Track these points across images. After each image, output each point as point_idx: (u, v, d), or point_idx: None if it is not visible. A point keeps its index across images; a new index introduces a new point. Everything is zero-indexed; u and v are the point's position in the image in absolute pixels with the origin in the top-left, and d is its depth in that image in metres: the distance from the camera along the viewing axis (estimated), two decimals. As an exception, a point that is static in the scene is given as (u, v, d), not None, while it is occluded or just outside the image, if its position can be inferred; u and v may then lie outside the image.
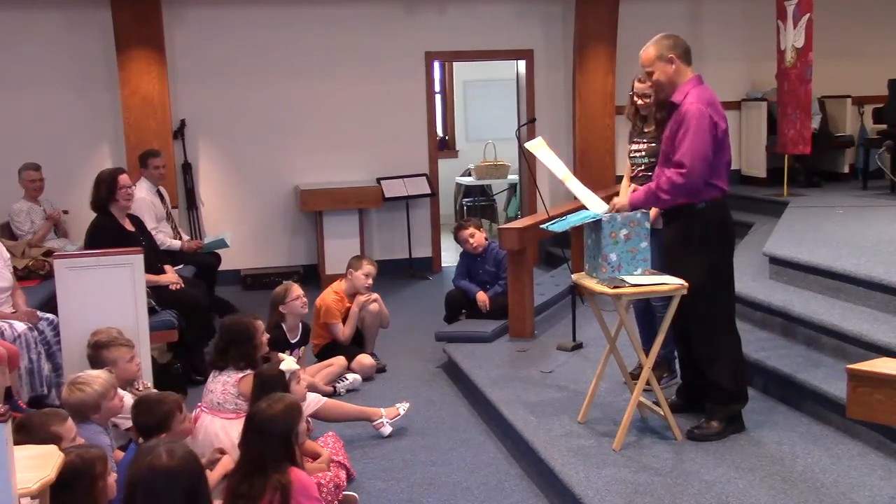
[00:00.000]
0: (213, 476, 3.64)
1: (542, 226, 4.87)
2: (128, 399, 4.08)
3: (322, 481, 3.88)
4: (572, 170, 9.34)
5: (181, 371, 5.74)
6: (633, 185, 4.97)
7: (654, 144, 4.83)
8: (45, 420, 3.30)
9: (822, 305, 5.01)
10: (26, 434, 3.11)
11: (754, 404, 4.46)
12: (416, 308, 7.68)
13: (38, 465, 2.68)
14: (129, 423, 3.89)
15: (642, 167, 4.89)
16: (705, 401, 4.31)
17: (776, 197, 8.23)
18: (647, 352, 4.31)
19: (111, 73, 8.30)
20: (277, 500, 3.20)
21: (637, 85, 4.82)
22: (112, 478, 3.09)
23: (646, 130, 4.92)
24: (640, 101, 4.83)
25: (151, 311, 5.24)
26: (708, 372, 4.26)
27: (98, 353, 4.39)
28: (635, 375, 4.63)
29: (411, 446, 4.76)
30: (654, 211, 4.61)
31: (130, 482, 2.84)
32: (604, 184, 8.75)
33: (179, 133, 8.58)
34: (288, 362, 4.15)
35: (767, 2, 8.43)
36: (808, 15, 7.66)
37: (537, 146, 4.59)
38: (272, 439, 3.32)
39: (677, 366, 4.75)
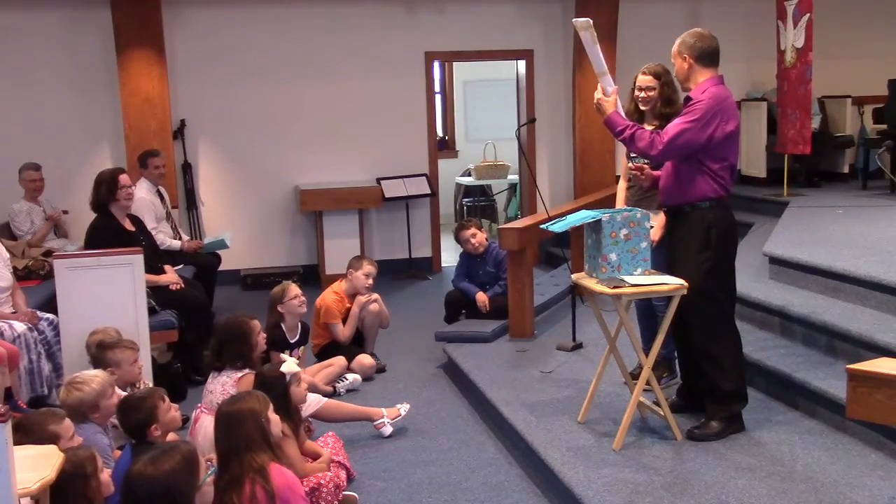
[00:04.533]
0: None
1: (542, 226, 4.87)
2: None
3: (322, 481, 3.88)
4: (572, 168, 9.41)
5: (181, 371, 5.74)
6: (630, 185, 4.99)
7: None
8: (43, 420, 3.31)
9: (822, 305, 5.01)
10: (24, 434, 3.11)
11: (754, 404, 4.46)
12: (416, 308, 7.68)
13: (38, 465, 2.68)
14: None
15: (642, 167, 4.87)
16: (705, 401, 4.31)
17: (776, 197, 8.23)
18: (648, 352, 4.31)
19: (111, 73, 8.30)
20: (259, 485, 3.18)
21: (640, 77, 4.78)
22: (106, 474, 3.09)
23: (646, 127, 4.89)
24: (643, 94, 4.76)
25: (151, 311, 5.24)
26: (708, 372, 4.26)
27: (103, 353, 4.39)
28: (635, 375, 4.63)
29: (411, 446, 4.76)
30: (656, 232, 4.59)
31: (122, 483, 2.87)
32: (604, 184, 8.77)
33: (179, 133, 8.59)
34: (289, 364, 4.14)
35: (767, 2, 8.44)
36: (807, 15, 7.66)
37: (586, 27, 4.22)
38: (240, 426, 3.32)
39: (677, 366, 4.74)
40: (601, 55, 4.23)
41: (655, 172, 4.49)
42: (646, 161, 4.59)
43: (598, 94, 4.27)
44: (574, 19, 4.31)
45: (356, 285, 6.07)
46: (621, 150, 5.27)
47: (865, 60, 9.57)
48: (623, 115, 4.34)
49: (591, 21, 4.22)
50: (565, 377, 5.25)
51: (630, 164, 4.69)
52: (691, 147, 4.10)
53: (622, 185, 5.13)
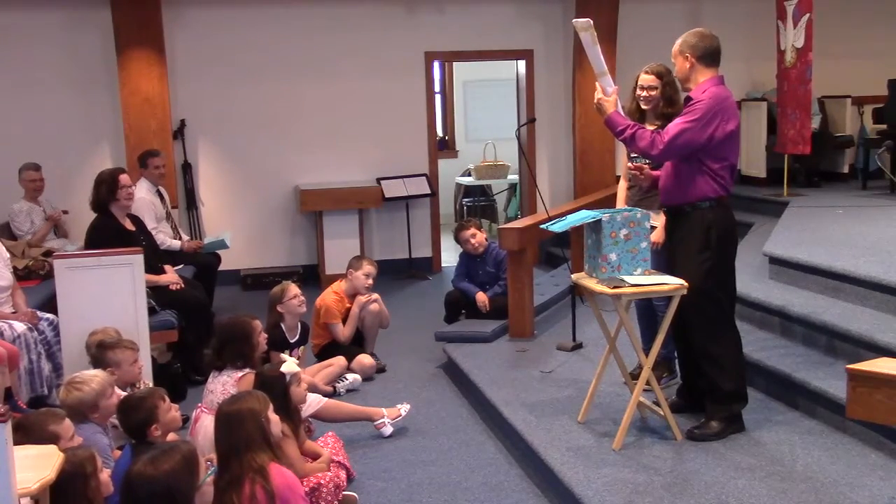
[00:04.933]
0: None
1: (542, 226, 4.87)
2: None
3: (322, 481, 3.88)
4: (572, 168, 9.41)
5: (181, 371, 5.74)
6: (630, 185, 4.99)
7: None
8: (42, 420, 3.31)
9: (822, 305, 5.01)
10: (24, 434, 3.11)
11: (754, 404, 4.46)
12: (416, 308, 7.68)
13: (38, 465, 2.69)
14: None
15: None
16: (705, 401, 4.31)
17: (776, 197, 8.23)
18: (648, 352, 4.30)
19: (111, 73, 8.30)
20: (259, 484, 3.18)
21: (643, 76, 4.76)
22: (105, 474, 3.09)
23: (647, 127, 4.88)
24: (645, 94, 4.74)
25: (151, 311, 5.24)
26: (708, 372, 4.26)
27: (103, 353, 4.39)
28: (635, 375, 4.63)
29: (411, 446, 4.76)
30: (659, 233, 4.59)
31: (122, 483, 2.87)
32: (604, 184, 8.77)
33: (179, 133, 8.59)
34: (289, 364, 4.14)
35: (767, 2, 8.44)
36: (807, 15, 7.66)
37: (586, 27, 4.18)
38: (240, 425, 3.31)
39: (677, 366, 4.74)
40: (601, 56, 4.23)
41: (655, 172, 4.49)
42: (646, 161, 4.59)
43: (598, 95, 4.27)
44: (574, 20, 4.31)
45: (356, 285, 6.07)
46: (621, 150, 5.27)
47: (865, 60, 9.57)
48: (623, 115, 4.35)
49: (592, 21, 4.21)
50: (565, 377, 5.25)
51: (630, 164, 4.70)
52: (692, 147, 4.11)
53: (623, 185, 5.13)
